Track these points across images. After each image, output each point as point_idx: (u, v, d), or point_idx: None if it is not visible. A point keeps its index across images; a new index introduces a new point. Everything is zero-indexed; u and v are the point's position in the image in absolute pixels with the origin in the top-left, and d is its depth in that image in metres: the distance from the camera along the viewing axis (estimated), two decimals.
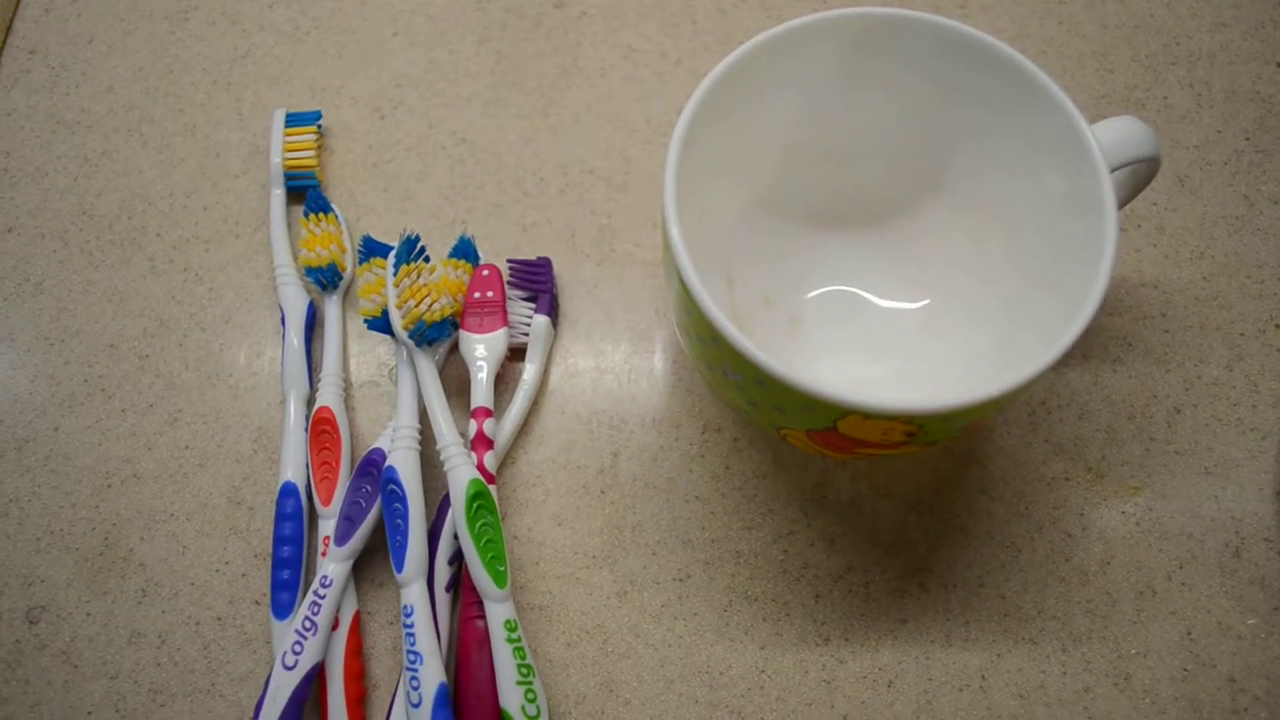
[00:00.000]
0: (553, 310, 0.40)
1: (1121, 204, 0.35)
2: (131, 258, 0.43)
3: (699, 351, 0.32)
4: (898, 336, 0.38)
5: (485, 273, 0.39)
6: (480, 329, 0.38)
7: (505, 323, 0.39)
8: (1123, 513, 0.38)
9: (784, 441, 0.36)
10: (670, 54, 0.46)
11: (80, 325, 0.42)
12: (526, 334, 0.39)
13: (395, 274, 0.37)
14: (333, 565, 0.35)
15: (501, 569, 0.34)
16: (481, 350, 0.38)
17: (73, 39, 0.49)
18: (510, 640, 0.33)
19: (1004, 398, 0.28)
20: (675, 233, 0.30)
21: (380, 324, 0.38)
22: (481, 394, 0.37)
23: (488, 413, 0.37)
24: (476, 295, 0.39)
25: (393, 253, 0.38)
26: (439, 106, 0.45)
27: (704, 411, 0.39)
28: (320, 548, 0.36)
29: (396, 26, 0.47)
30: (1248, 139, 0.44)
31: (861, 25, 0.34)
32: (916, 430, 0.29)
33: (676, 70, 0.45)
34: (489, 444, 0.36)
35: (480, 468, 0.36)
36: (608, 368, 0.40)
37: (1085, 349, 0.40)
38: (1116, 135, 0.32)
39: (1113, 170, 0.31)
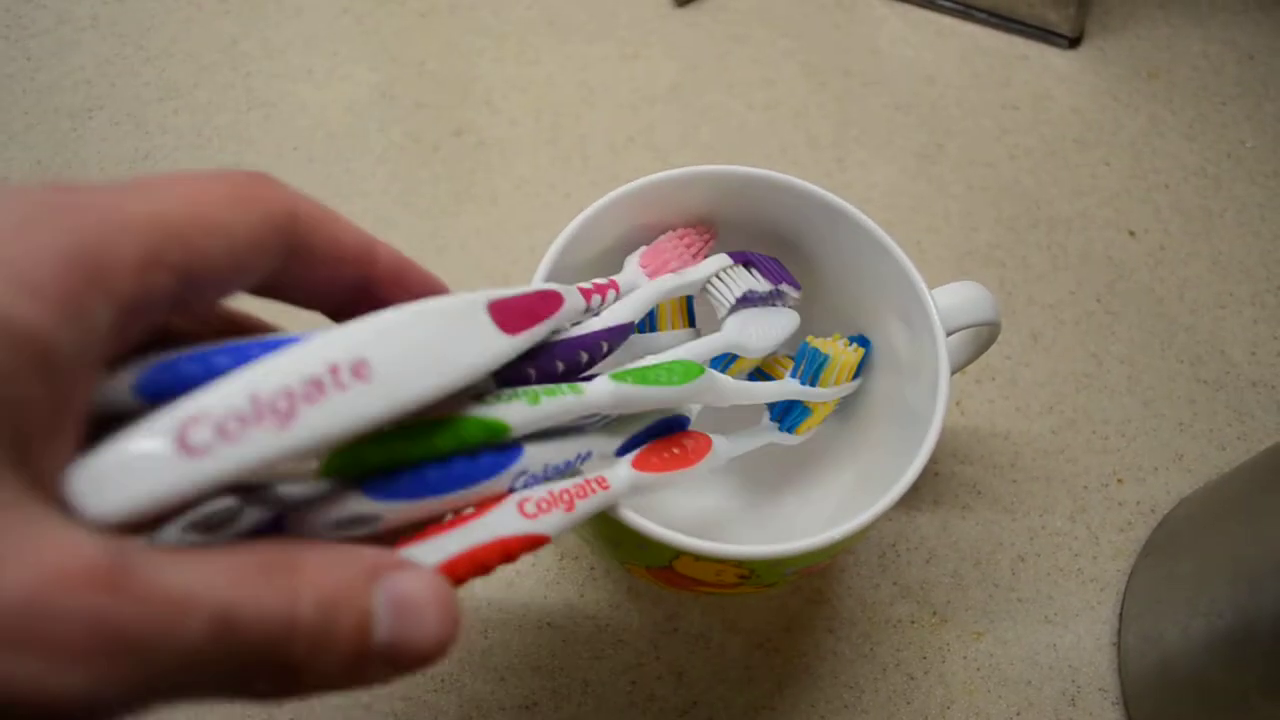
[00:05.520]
0: None
1: (963, 364, 0.37)
2: None
3: None
4: (757, 471, 0.39)
5: None
6: None
7: None
8: (964, 657, 0.39)
9: (630, 575, 0.37)
10: (559, 187, 0.48)
11: None
12: None
13: None
14: None
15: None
16: None
17: None
18: None
19: (829, 548, 0.29)
20: None
21: None
22: None
23: None
24: None
25: None
26: None
27: (562, 539, 0.40)
28: None
29: (297, 141, 0.49)
30: (1099, 300, 0.47)
31: (731, 180, 0.35)
32: (748, 574, 0.30)
33: (565, 203, 0.47)
34: None
35: None
36: None
37: (936, 495, 0.42)
38: (956, 300, 0.34)
39: (950, 333, 0.33)
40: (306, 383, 0.18)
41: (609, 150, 0.49)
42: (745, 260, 0.35)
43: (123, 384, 0.18)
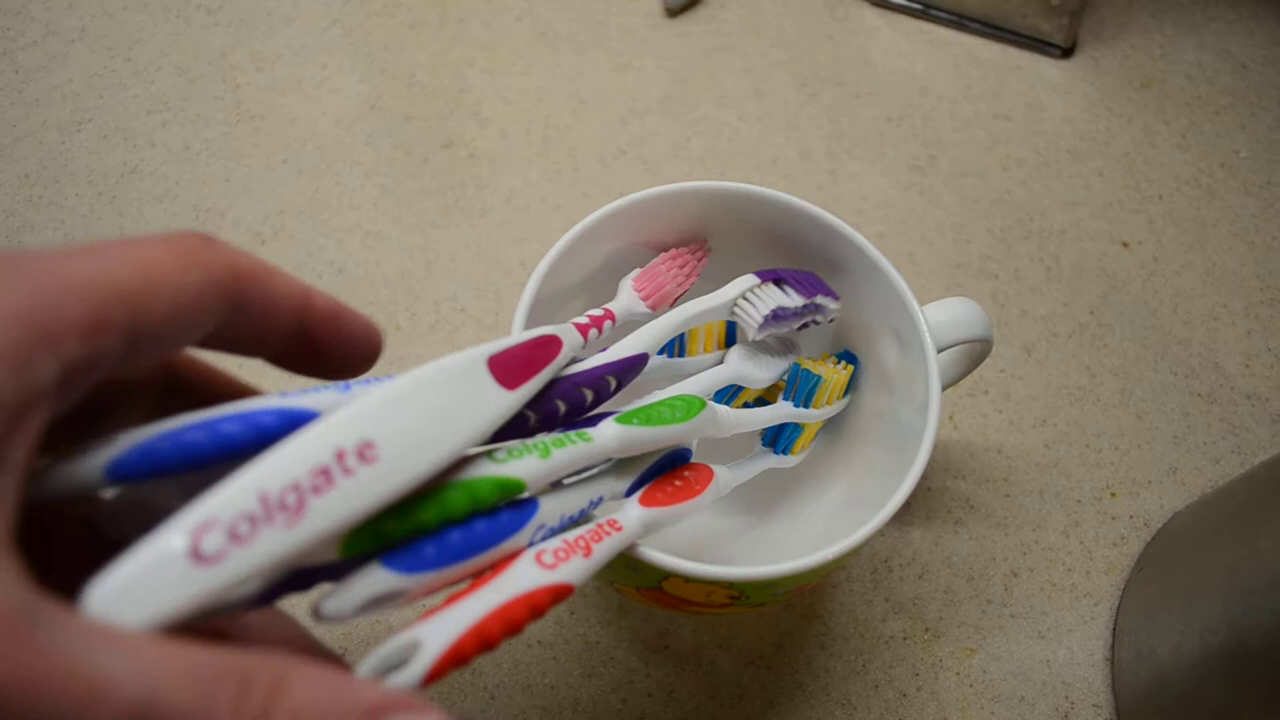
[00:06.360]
0: None
1: (955, 380, 0.37)
2: None
3: None
4: (749, 490, 0.39)
5: None
6: None
7: None
8: (957, 674, 0.39)
9: (621, 594, 0.36)
10: (550, 199, 0.48)
11: None
12: None
13: None
14: None
15: None
16: None
17: None
18: None
19: (820, 568, 0.29)
20: None
21: None
22: None
23: None
24: None
25: None
26: (319, 236, 0.46)
27: None
28: None
29: (286, 154, 0.48)
30: (1092, 313, 0.47)
31: (721, 196, 0.35)
32: (739, 594, 0.30)
33: (555, 215, 0.47)
34: None
35: None
36: None
37: (929, 510, 0.42)
38: (947, 316, 0.34)
39: (942, 349, 0.33)
40: (314, 473, 0.18)
41: (600, 162, 0.49)
42: (776, 278, 0.34)
43: (94, 465, 0.18)
